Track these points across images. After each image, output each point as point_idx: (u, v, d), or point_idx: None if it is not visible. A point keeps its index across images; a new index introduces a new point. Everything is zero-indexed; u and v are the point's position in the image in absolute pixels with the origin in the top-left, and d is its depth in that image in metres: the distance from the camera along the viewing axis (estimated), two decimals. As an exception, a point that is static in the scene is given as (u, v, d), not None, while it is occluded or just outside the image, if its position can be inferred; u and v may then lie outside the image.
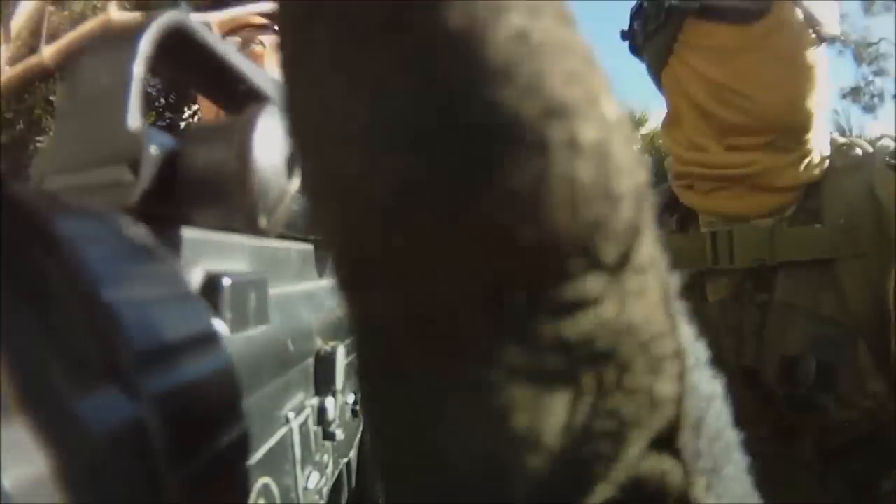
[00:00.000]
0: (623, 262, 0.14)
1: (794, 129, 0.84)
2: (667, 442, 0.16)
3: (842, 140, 0.90)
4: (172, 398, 0.16)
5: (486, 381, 0.14)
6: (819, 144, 0.86)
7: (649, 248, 0.15)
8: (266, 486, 0.25)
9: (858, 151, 0.87)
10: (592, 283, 0.14)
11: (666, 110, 0.95)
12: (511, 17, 0.12)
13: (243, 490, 0.20)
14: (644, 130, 12.16)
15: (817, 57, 0.83)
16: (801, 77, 0.82)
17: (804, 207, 0.84)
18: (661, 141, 0.97)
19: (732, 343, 0.83)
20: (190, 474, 0.16)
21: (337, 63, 0.13)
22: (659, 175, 1.03)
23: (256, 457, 0.24)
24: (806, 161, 0.85)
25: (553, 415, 0.15)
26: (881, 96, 13.50)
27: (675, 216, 0.94)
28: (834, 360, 0.76)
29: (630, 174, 0.14)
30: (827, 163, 0.87)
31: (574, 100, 0.13)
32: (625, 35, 0.95)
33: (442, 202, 0.13)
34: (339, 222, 0.14)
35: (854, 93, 13.59)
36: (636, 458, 0.16)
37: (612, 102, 0.14)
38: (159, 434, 0.15)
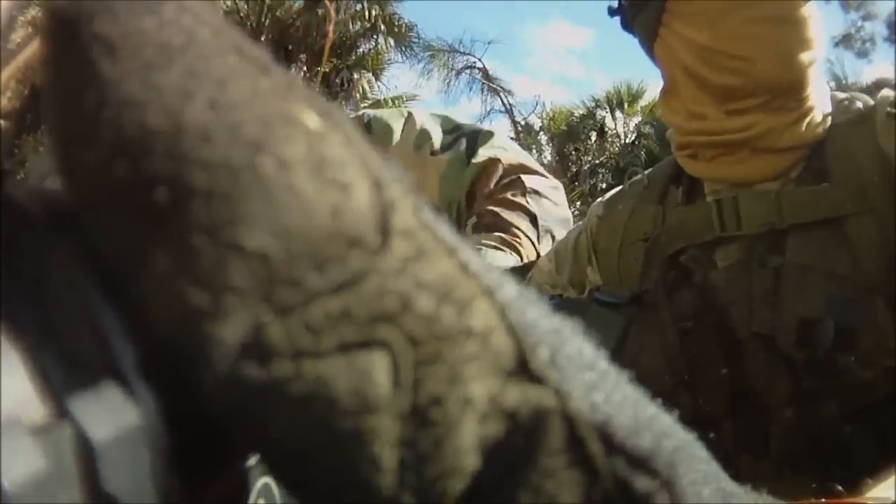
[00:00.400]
0: (384, 234, 0.16)
1: (790, 87, 0.83)
2: (522, 372, 0.17)
3: (842, 96, 0.89)
4: (173, 398, 0.16)
5: (299, 371, 0.15)
6: (819, 102, 0.85)
7: (408, 215, 0.16)
8: (266, 486, 0.24)
9: (859, 105, 0.86)
10: (356, 260, 0.15)
11: (662, 82, 0.94)
12: (196, 100, 0.15)
13: (243, 490, 0.20)
14: (643, 102, 12.12)
15: (806, 10, 0.81)
16: (790, 32, 0.81)
17: (810, 167, 0.83)
18: (660, 112, 0.97)
19: (743, 310, 0.82)
20: (191, 474, 0.16)
21: None
22: (664, 142, 1.03)
23: (257, 456, 0.24)
24: (807, 120, 0.84)
25: (376, 375, 0.16)
26: (872, 40, 13.35)
27: (681, 188, 0.93)
28: (852, 319, 0.75)
29: (354, 163, 0.16)
30: (829, 120, 0.85)
31: (271, 132, 0.15)
32: (613, 11, 0.94)
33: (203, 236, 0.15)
34: None
35: (845, 40, 13.37)
36: (494, 393, 0.17)
37: (312, 114, 0.16)
38: (160, 434, 0.15)
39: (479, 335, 0.17)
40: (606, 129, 12.22)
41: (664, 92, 0.94)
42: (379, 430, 0.16)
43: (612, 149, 11.86)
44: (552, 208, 1.31)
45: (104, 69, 0.15)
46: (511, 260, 1.22)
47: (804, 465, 0.78)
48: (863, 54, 13.36)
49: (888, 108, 0.80)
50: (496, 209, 1.27)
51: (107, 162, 0.15)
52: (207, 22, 0.17)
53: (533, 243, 1.25)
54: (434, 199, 1.35)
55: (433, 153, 1.33)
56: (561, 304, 0.96)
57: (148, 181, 0.15)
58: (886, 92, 0.85)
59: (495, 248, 1.23)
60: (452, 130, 1.36)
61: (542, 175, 1.34)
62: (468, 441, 0.16)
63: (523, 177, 1.31)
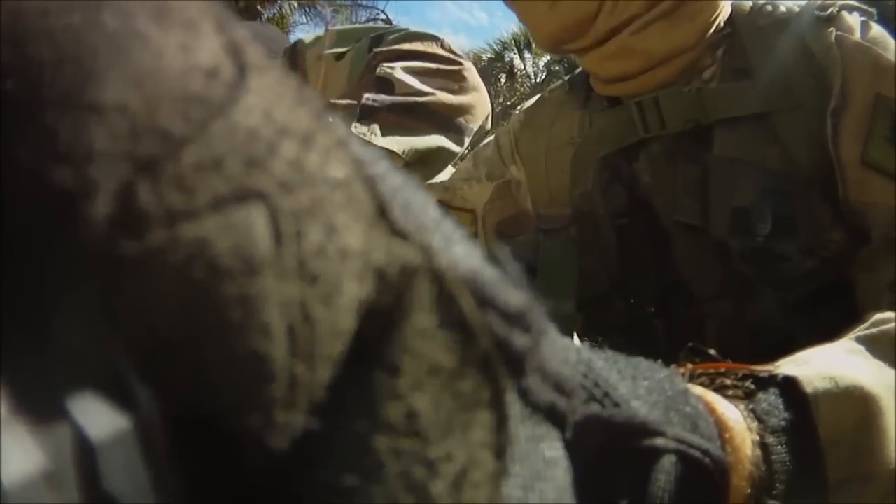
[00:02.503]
0: (239, 67, 0.16)
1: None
2: (383, 225, 0.17)
3: (762, 1, 0.87)
4: (173, 396, 0.16)
5: (175, 237, 0.14)
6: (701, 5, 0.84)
7: (258, 54, 0.16)
8: None
9: (783, 9, 0.85)
10: (216, 91, 0.15)
11: None
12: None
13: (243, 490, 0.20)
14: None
15: None
16: None
17: (731, 67, 0.83)
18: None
19: (667, 200, 0.82)
20: (191, 474, 0.16)
21: None
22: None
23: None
24: (670, 28, 0.83)
25: (256, 230, 0.15)
26: None
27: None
28: (789, 208, 0.75)
29: (195, 6, 0.16)
30: (728, 16, 0.85)
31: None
32: None
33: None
34: None
35: None
36: (364, 249, 0.16)
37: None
38: (160, 434, 0.15)
39: (342, 184, 0.16)
40: (516, 70, 12.28)
41: None
42: (266, 293, 0.15)
43: (522, 90, 11.91)
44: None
45: None
46: None
47: (742, 359, 0.74)
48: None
49: (816, 11, 0.80)
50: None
51: None
52: None
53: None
54: None
55: (338, 59, 1.18)
56: (512, 249, 0.94)
57: None
58: None
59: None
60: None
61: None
62: (349, 299, 0.16)
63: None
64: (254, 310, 0.15)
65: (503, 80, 12.18)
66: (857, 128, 0.73)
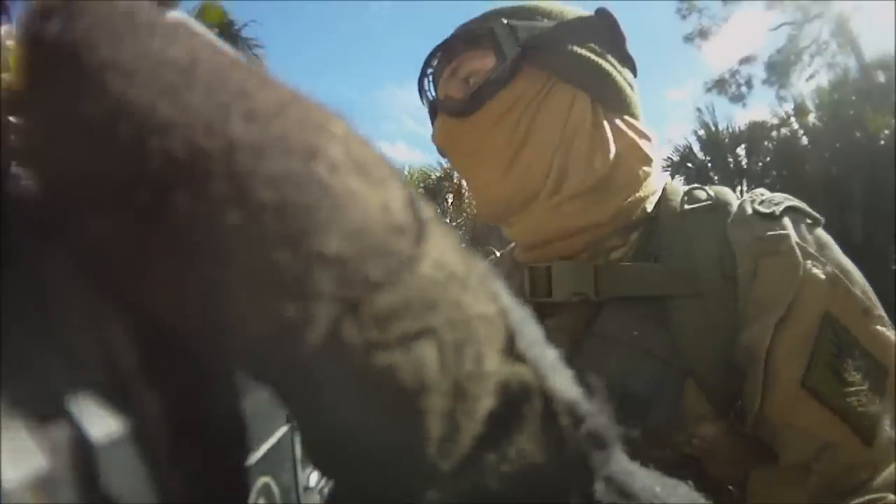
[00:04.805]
0: (419, 223, 0.18)
1: (526, 200, 0.83)
2: (511, 352, 0.20)
3: (689, 187, 0.87)
4: (173, 397, 0.16)
5: (369, 363, 0.17)
6: (624, 188, 0.83)
7: (428, 207, 0.19)
8: (266, 486, 0.25)
9: (704, 195, 0.84)
10: (406, 246, 0.17)
11: None
12: (232, 115, 0.15)
13: (244, 489, 0.21)
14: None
15: (577, 115, 0.83)
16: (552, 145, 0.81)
17: (642, 251, 0.81)
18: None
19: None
20: (190, 474, 0.17)
21: None
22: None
23: (256, 456, 0.25)
24: (567, 208, 0.82)
25: (429, 360, 0.17)
26: (749, 83, 13.72)
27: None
28: (649, 392, 0.72)
29: (381, 161, 0.18)
30: (649, 207, 0.84)
31: (313, 138, 0.16)
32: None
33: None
34: None
35: (718, 85, 13.81)
36: (496, 368, 0.19)
37: (331, 117, 0.18)
38: (160, 434, 0.16)
39: (489, 319, 0.19)
40: (463, 190, 12.52)
41: None
42: (433, 407, 0.17)
43: (469, 210, 12.10)
44: None
45: (129, 95, 0.14)
46: None
47: None
48: (737, 99, 13.79)
49: (756, 206, 0.78)
50: None
51: (165, 194, 0.15)
52: (198, 34, 0.17)
53: None
54: None
55: None
56: None
57: (216, 205, 0.15)
58: (758, 190, 0.83)
59: None
60: None
61: None
62: (482, 411, 0.19)
63: None
64: (421, 421, 0.17)
65: (450, 200, 12.36)
66: (799, 347, 0.70)
